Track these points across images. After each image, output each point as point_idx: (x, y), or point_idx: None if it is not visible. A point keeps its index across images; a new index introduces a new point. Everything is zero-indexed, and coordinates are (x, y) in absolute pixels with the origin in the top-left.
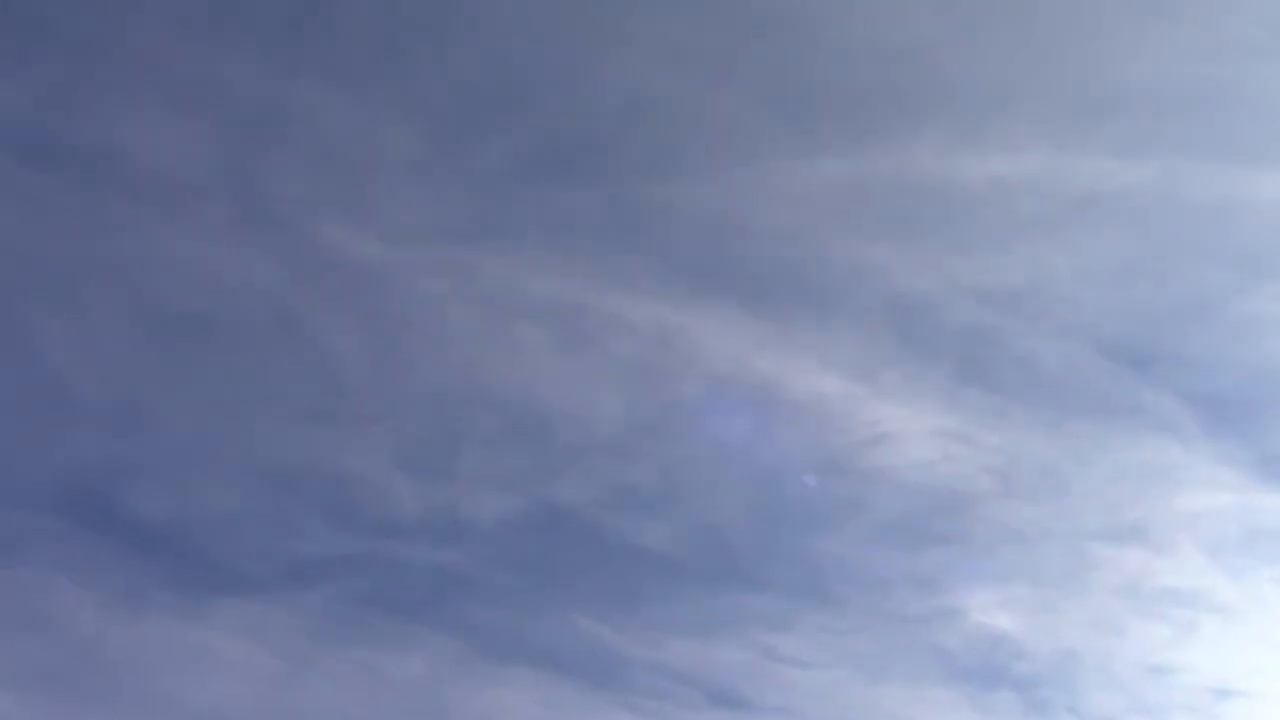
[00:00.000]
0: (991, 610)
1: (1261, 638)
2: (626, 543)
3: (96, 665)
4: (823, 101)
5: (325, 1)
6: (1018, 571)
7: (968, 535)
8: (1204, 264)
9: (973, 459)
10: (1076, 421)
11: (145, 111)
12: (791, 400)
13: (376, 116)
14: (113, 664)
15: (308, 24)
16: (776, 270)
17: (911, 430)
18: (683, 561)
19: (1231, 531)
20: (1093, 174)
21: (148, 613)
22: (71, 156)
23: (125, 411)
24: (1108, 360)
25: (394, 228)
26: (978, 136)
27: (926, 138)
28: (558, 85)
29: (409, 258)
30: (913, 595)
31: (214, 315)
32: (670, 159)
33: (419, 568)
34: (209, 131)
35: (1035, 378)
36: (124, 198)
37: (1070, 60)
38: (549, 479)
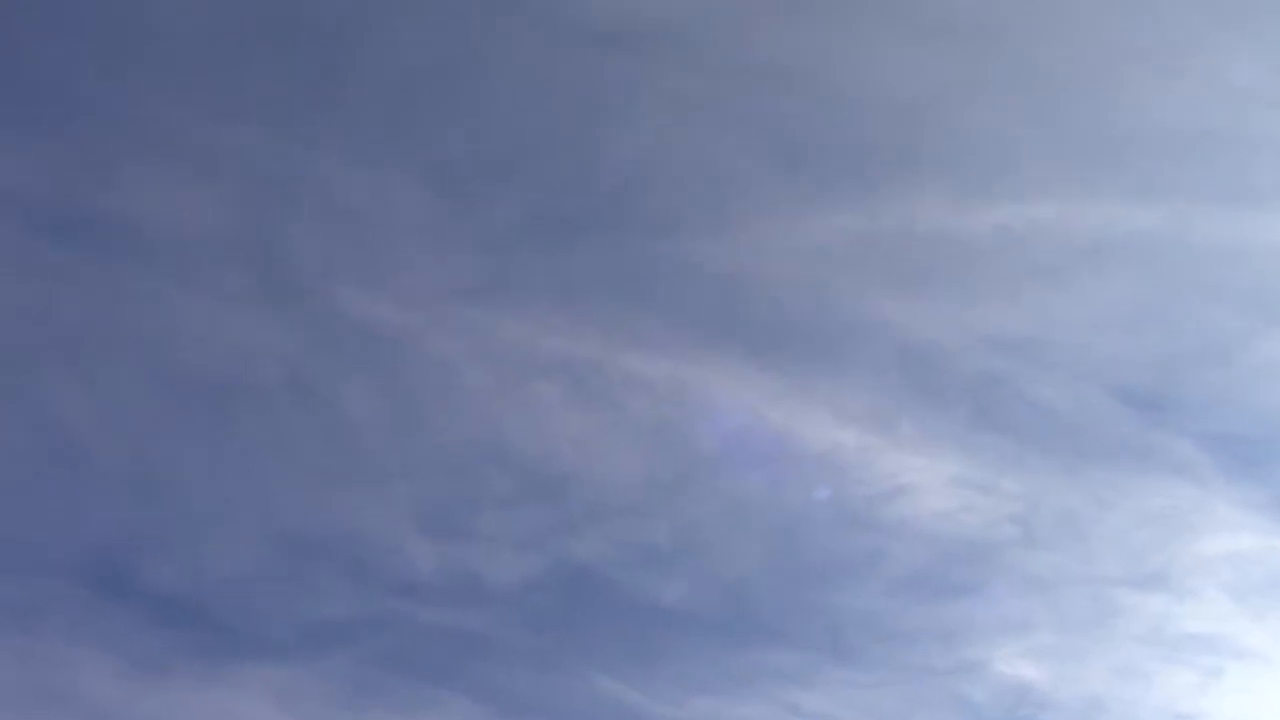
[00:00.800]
0: (1015, 661)
1: None
2: (646, 600)
3: None
4: (829, 155)
5: (336, 69)
6: (1041, 620)
7: (989, 585)
8: (1216, 308)
9: (992, 508)
10: (1095, 467)
11: (160, 182)
12: (808, 453)
13: (388, 181)
14: None
15: (319, 92)
16: (789, 324)
17: (929, 480)
18: (703, 618)
19: (1255, 575)
20: (1101, 220)
21: (169, 680)
22: (87, 228)
23: (144, 478)
24: (1123, 405)
25: (407, 290)
26: (984, 186)
27: (933, 189)
28: (566, 145)
29: (423, 319)
30: (936, 647)
31: (231, 381)
32: (680, 215)
33: (438, 630)
34: (224, 200)
35: (1051, 425)
36: (140, 268)
37: (1075, 108)
38: (567, 538)
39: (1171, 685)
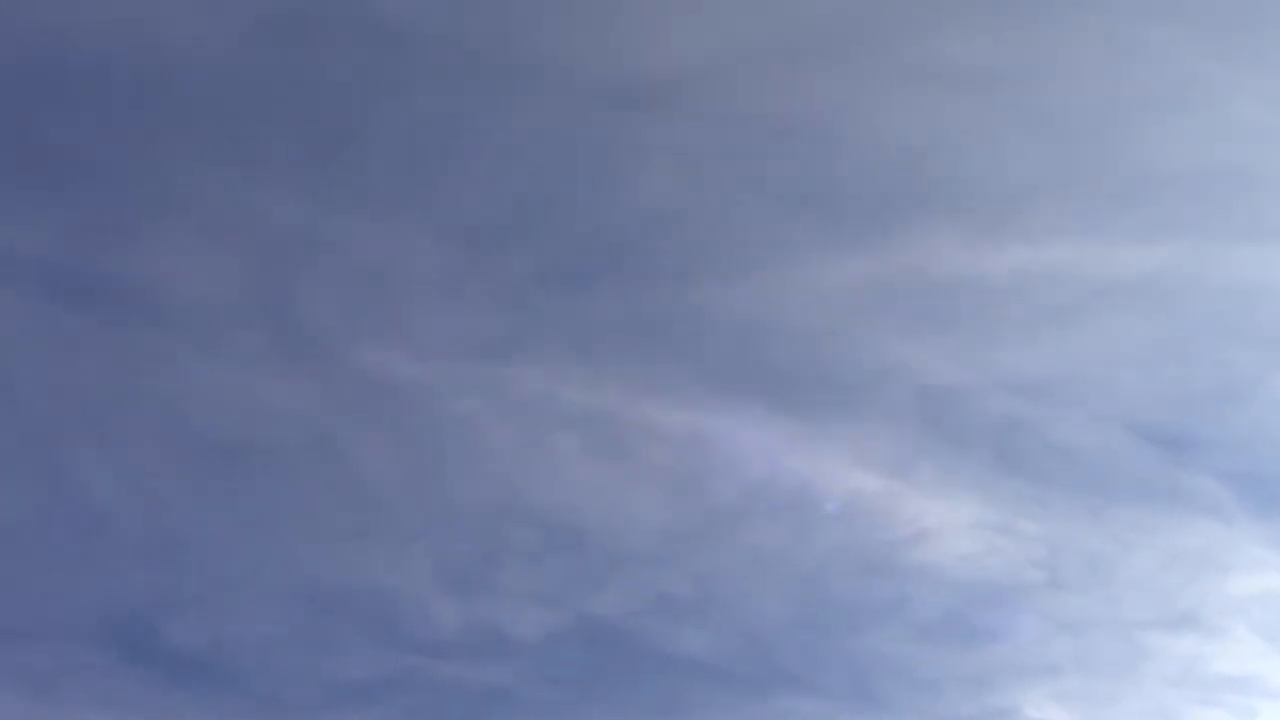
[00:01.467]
0: (1044, 705)
1: None
2: (669, 652)
3: None
4: (843, 201)
5: (350, 130)
6: (1069, 664)
7: (1015, 629)
8: (1233, 344)
9: (1016, 551)
10: (1118, 508)
11: (177, 245)
12: (829, 499)
13: (404, 237)
14: None
15: (333, 153)
16: (806, 370)
17: (952, 525)
18: (726, 669)
19: None
20: (1115, 260)
21: None
22: (106, 292)
23: (165, 541)
24: (1145, 445)
25: (425, 345)
26: (998, 229)
27: (948, 232)
28: (581, 197)
29: (441, 374)
30: (963, 694)
31: (251, 441)
32: (695, 264)
33: (461, 685)
34: (241, 262)
35: (1073, 466)
36: (158, 331)
37: (1085, 151)
38: (589, 591)
39: None
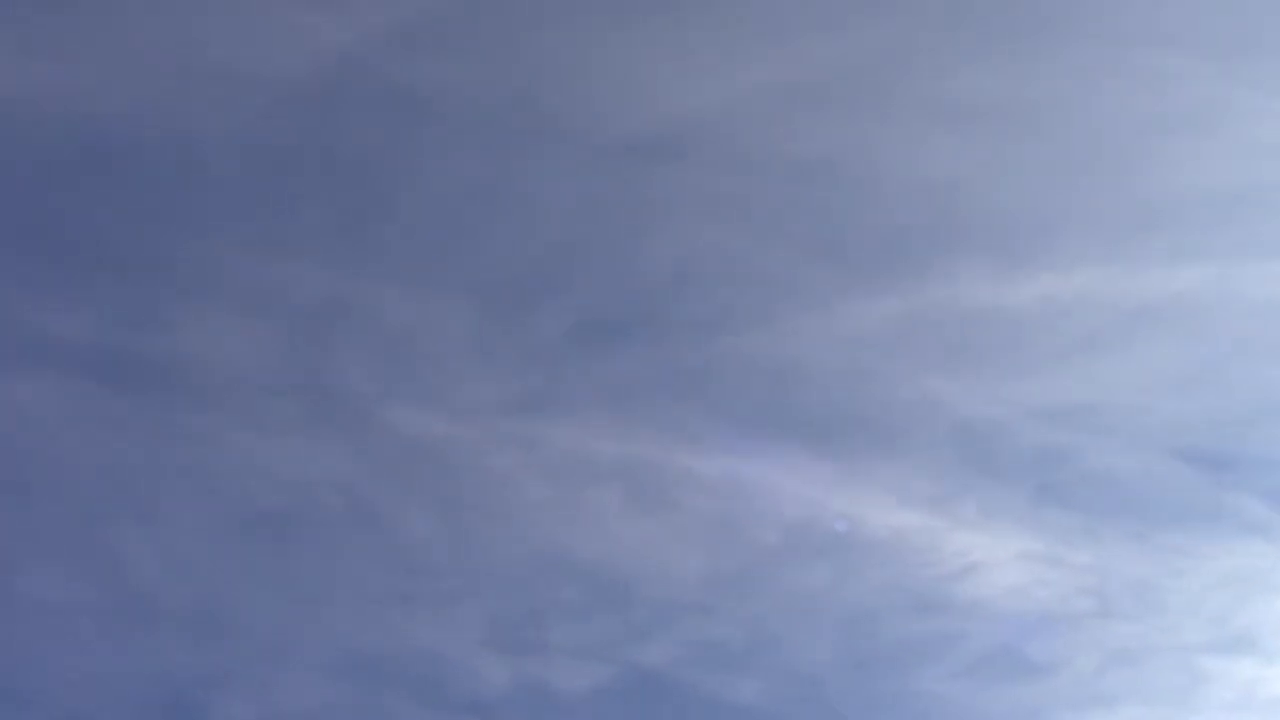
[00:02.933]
0: None
1: None
2: (719, 699)
3: None
4: (869, 241)
5: (376, 194)
6: (1125, 693)
7: (1069, 660)
8: (1268, 362)
9: (1064, 581)
10: (1165, 532)
11: (211, 319)
12: (872, 540)
13: (433, 299)
14: None
15: (361, 219)
16: (842, 411)
17: (998, 558)
18: (778, 714)
19: None
20: (1145, 284)
21: None
22: (143, 369)
23: (209, 616)
24: (1187, 467)
25: (459, 405)
26: (1025, 259)
27: (974, 265)
28: (607, 250)
29: (477, 435)
30: None
31: (291, 511)
32: (724, 310)
33: None
34: (274, 332)
35: (1116, 492)
36: (196, 404)
37: (1110, 176)
38: (635, 642)
39: None
